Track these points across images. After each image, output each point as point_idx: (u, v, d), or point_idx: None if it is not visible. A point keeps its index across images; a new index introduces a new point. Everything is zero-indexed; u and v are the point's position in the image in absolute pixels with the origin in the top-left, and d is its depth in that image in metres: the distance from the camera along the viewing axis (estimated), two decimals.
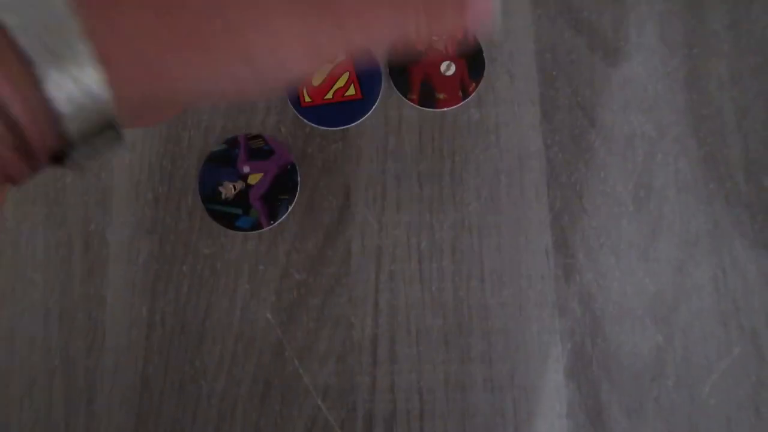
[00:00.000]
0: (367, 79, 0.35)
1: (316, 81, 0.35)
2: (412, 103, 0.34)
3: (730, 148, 0.34)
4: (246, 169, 0.34)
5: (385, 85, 0.35)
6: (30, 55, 0.14)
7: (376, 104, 0.34)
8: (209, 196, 0.34)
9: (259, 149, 0.35)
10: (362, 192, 0.34)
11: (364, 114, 0.34)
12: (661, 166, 0.34)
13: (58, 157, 0.15)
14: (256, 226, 0.34)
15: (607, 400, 0.32)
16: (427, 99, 0.34)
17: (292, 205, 0.34)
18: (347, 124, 0.34)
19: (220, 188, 0.34)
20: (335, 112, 0.35)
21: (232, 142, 0.35)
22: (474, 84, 0.34)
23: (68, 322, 0.33)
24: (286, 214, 0.34)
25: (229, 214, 0.34)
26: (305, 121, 0.34)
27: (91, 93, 0.15)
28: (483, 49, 0.35)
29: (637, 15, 0.36)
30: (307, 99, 0.35)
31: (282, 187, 0.34)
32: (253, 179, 0.34)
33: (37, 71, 0.14)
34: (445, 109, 0.34)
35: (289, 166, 0.34)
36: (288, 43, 0.17)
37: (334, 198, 0.34)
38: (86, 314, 0.33)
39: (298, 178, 0.34)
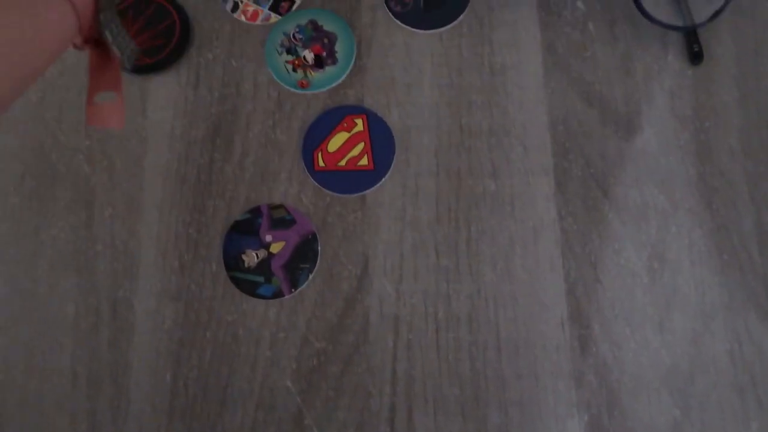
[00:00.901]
0: (380, 151, 0.37)
1: (332, 147, 0.37)
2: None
3: (744, 219, 0.35)
4: (268, 238, 0.36)
5: (399, 157, 0.37)
6: None
7: (386, 177, 0.36)
8: (232, 264, 0.36)
9: (281, 219, 0.36)
10: (380, 261, 0.36)
11: (374, 184, 0.36)
12: (674, 237, 0.35)
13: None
14: (278, 294, 0.35)
15: None
16: None
17: (313, 273, 0.35)
18: (356, 193, 0.36)
19: (243, 256, 0.36)
20: (346, 180, 0.36)
21: (255, 212, 0.36)
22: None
23: (95, 387, 0.34)
24: (306, 283, 0.35)
25: (251, 282, 0.35)
26: (316, 184, 0.36)
27: None
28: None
29: (648, 89, 0.37)
30: (321, 164, 0.37)
31: (303, 256, 0.36)
32: (275, 248, 0.36)
33: None
34: None
35: (310, 236, 0.36)
36: None
37: (353, 266, 0.36)
38: (113, 380, 0.35)
39: (319, 247, 0.36)
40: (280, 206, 0.37)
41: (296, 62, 0.38)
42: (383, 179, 0.36)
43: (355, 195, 0.36)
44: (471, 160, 0.37)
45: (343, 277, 0.36)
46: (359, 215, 0.36)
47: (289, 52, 0.38)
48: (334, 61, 0.38)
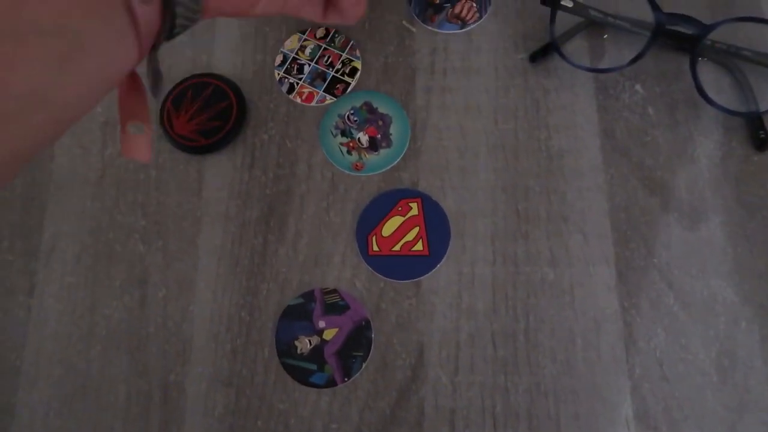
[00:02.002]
0: (435, 237, 0.37)
1: (387, 231, 0.37)
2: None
3: None
4: (321, 324, 0.36)
5: (454, 242, 0.37)
6: None
7: (441, 263, 0.36)
8: (285, 351, 0.36)
9: (335, 304, 0.37)
10: (435, 350, 0.36)
11: (429, 271, 0.36)
12: (744, 333, 0.34)
13: None
14: (331, 382, 0.35)
15: None
16: None
17: (366, 362, 0.35)
18: (410, 279, 0.36)
19: (296, 342, 0.36)
20: (401, 265, 0.37)
21: (308, 296, 0.37)
22: None
23: None
24: (359, 371, 0.35)
25: (304, 369, 0.36)
26: (370, 269, 0.37)
27: None
28: None
29: (712, 175, 0.37)
30: (375, 248, 0.37)
31: (356, 344, 0.36)
32: (328, 334, 0.36)
33: None
34: None
35: (363, 322, 0.36)
36: None
37: (407, 355, 0.36)
38: None
39: (372, 335, 0.36)
40: (334, 291, 0.37)
41: (351, 144, 0.39)
42: (438, 265, 0.37)
43: (410, 281, 0.37)
44: (528, 247, 0.37)
45: (397, 366, 0.36)
46: (414, 302, 0.37)
47: (343, 134, 0.39)
48: (389, 144, 0.39)
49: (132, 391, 0.36)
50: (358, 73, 0.41)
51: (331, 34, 0.42)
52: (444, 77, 0.41)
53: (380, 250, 0.37)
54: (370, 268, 0.37)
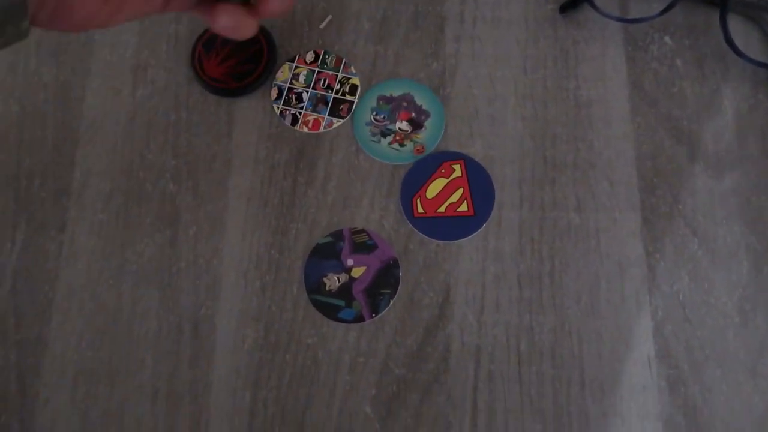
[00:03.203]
0: (479, 197, 0.38)
1: (431, 193, 0.38)
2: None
3: None
4: (350, 262, 0.38)
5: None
6: None
7: (487, 222, 0.38)
8: (314, 288, 0.38)
9: (363, 243, 0.38)
10: (462, 290, 0.37)
11: (475, 231, 0.38)
12: (767, 279, 0.36)
13: None
14: (358, 318, 0.37)
15: None
16: None
17: (394, 299, 0.37)
18: (456, 239, 0.38)
19: (325, 280, 0.38)
20: (446, 226, 0.38)
21: (337, 236, 0.38)
22: None
23: (174, 404, 0.36)
24: (387, 308, 0.37)
25: (332, 306, 0.37)
26: (417, 231, 0.38)
27: None
28: None
29: (739, 127, 0.39)
30: (420, 210, 0.39)
31: (384, 282, 0.37)
32: (357, 272, 0.38)
33: None
34: None
35: (391, 261, 0.38)
36: None
37: (434, 294, 0.37)
38: (192, 398, 0.36)
39: (400, 273, 0.37)
40: (362, 231, 0.38)
41: (398, 138, 0.40)
42: (484, 225, 0.38)
43: (461, 240, 0.38)
44: (555, 192, 0.38)
45: (424, 305, 0.37)
46: (441, 244, 0.38)
47: (384, 134, 0.40)
48: (428, 114, 0.40)
49: (163, 325, 0.38)
50: (359, 90, 0.41)
51: (321, 56, 0.42)
52: (473, 27, 0.42)
53: (425, 212, 0.39)
54: (418, 231, 0.38)
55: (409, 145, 0.39)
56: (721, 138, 0.39)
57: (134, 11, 0.29)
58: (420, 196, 0.39)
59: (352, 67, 0.41)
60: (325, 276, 0.38)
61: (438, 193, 0.39)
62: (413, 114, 0.40)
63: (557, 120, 0.40)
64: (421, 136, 0.39)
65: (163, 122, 0.42)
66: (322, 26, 0.43)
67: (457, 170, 0.39)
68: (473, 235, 0.38)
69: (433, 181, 0.39)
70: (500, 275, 0.37)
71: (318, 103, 0.41)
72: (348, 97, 0.41)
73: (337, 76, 0.41)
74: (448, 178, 0.39)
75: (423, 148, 0.39)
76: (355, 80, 0.41)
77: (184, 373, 0.37)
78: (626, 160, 0.39)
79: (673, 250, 0.37)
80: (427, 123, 0.40)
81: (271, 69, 0.42)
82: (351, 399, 0.36)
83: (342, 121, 0.41)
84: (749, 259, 0.37)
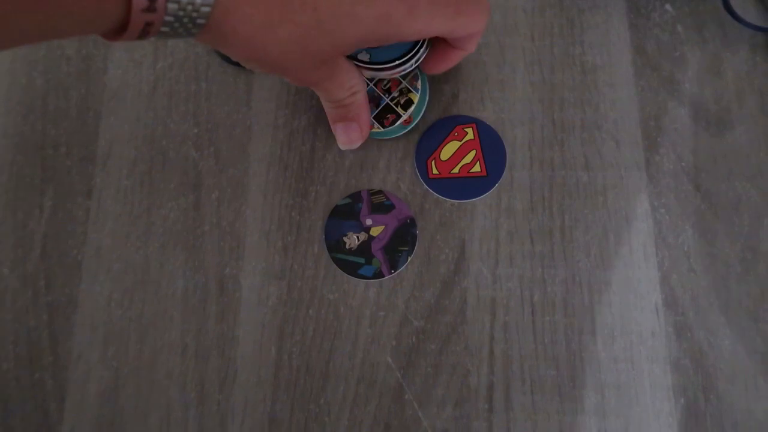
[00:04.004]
0: (491, 158, 0.40)
1: (445, 155, 0.40)
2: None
3: None
4: (368, 221, 0.40)
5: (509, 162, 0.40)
6: None
7: (499, 182, 0.40)
8: (334, 246, 0.39)
9: (381, 204, 0.40)
10: (477, 246, 0.39)
11: (488, 190, 0.40)
12: (767, 230, 0.38)
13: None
14: (378, 274, 0.39)
15: None
16: None
17: (411, 256, 0.39)
18: (470, 198, 0.39)
19: (345, 238, 0.39)
20: (460, 187, 0.40)
21: (356, 197, 0.40)
22: None
23: (203, 358, 0.38)
24: (405, 265, 0.39)
25: (352, 263, 0.39)
26: (432, 191, 0.40)
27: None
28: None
29: (738, 89, 0.41)
30: (435, 171, 0.40)
31: (402, 240, 0.39)
32: (375, 231, 0.39)
33: None
34: None
35: (408, 220, 0.39)
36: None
37: (450, 251, 0.39)
38: (220, 352, 0.38)
39: (417, 231, 0.39)
40: (380, 192, 0.40)
41: (390, 117, 0.39)
42: (497, 184, 0.40)
43: (476, 199, 0.40)
44: (564, 153, 0.40)
45: (440, 261, 0.39)
46: (455, 203, 0.40)
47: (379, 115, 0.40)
48: (417, 77, 0.40)
49: (189, 284, 0.40)
50: (412, 107, 0.39)
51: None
52: None
53: (440, 173, 0.40)
54: (432, 191, 0.40)
55: (398, 119, 0.39)
56: (721, 99, 0.41)
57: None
58: (434, 159, 0.41)
59: (418, 83, 0.39)
60: (345, 235, 0.40)
61: (452, 156, 0.41)
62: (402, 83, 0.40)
63: (564, 84, 0.42)
64: (411, 109, 0.39)
65: (183, 92, 0.44)
66: None
67: (470, 133, 0.41)
68: (486, 194, 0.40)
69: (446, 144, 0.41)
70: (513, 231, 0.39)
71: (370, 101, 0.39)
72: (399, 110, 0.39)
73: (400, 83, 0.39)
74: (461, 141, 0.41)
75: (410, 119, 0.40)
76: (414, 96, 0.39)
77: (212, 329, 0.39)
78: (631, 121, 0.41)
79: (678, 204, 0.39)
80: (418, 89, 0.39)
81: None
82: (372, 350, 0.38)
83: (381, 129, 0.39)
84: (750, 212, 0.39)
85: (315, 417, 0.37)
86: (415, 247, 0.39)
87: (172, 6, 0.26)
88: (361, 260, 0.39)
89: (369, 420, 0.37)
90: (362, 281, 0.39)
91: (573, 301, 0.38)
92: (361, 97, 0.36)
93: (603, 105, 0.41)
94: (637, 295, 0.38)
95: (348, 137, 0.37)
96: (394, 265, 0.39)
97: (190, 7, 0.26)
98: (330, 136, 0.42)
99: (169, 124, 0.43)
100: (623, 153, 0.40)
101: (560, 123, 0.41)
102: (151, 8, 0.25)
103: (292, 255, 0.40)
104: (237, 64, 0.43)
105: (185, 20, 0.26)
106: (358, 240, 0.39)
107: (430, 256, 0.39)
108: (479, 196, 0.40)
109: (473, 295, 0.38)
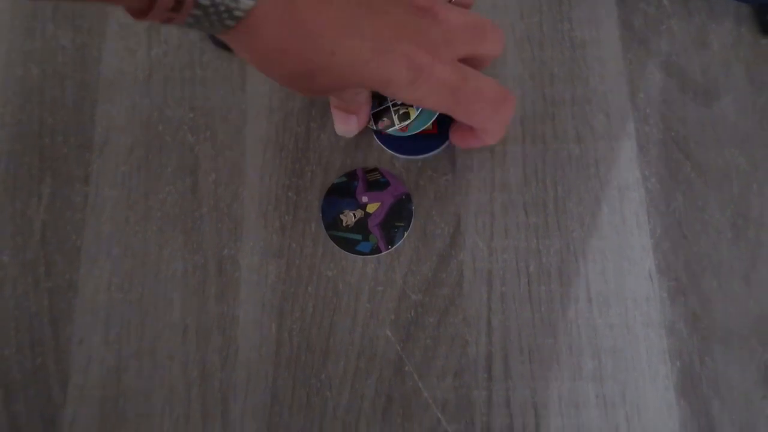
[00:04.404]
0: (444, 118, 0.40)
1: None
2: None
3: None
4: (364, 199, 0.40)
5: None
6: None
7: (447, 142, 0.40)
8: (331, 224, 0.40)
9: (376, 181, 0.40)
10: (472, 220, 0.39)
11: (437, 148, 0.40)
12: (756, 196, 0.39)
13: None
14: (375, 250, 0.39)
15: (718, 418, 0.35)
16: None
17: (408, 231, 0.39)
18: (419, 155, 0.40)
19: (342, 216, 0.40)
20: (410, 143, 0.40)
21: (351, 175, 0.40)
22: None
23: (204, 338, 0.38)
24: (402, 240, 0.39)
25: (350, 240, 0.39)
26: (382, 146, 0.40)
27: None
28: None
29: (724, 59, 0.41)
30: None
31: (398, 216, 0.39)
32: (371, 208, 0.40)
33: None
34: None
35: (403, 196, 0.40)
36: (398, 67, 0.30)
37: (446, 225, 0.39)
38: (221, 331, 0.38)
39: (413, 207, 0.39)
40: (375, 169, 0.41)
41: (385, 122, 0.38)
42: (446, 143, 0.40)
43: (422, 157, 0.40)
44: (555, 127, 0.41)
45: (436, 235, 0.39)
46: (450, 178, 0.40)
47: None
48: None
49: (188, 266, 0.40)
50: (408, 121, 0.37)
51: None
52: None
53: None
54: (382, 145, 0.40)
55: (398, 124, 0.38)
56: (708, 70, 0.41)
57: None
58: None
59: None
60: (342, 213, 0.40)
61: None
62: None
63: (554, 60, 0.42)
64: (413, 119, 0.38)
65: (178, 78, 0.44)
66: None
67: None
68: (435, 152, 0.40)
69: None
70: (507, 204, 0.40)
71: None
72: (395, 119, 0.37)
73: None
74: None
75: (406, 128, 0.38)
76: (412, 111, 0.37)
77: (212, 309, 0.39)
78: (620, 94, 0.41)
79: (668, 173, 0.40)
80: None
81: None
82: (372, 325, 0.38)
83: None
84: (739, 179, 0.39)
85: (317, 392, 0.37)
86: (411, 223, 0.39)
87: (196, 10, 0.26)
88: (359, 237, 0.39)
89: (371, 393, 0.37)
90: (360, 258, 0.39)
91: (568, 270, 0.38)
92: (364, 97, 0.36)
93: (592, 79, 0.42)
94: (630, 262, 0.38)
95: (346, 126, 0.37)
96: (390, 241, 0.39)
97: (222, 7, 0.26)
98: (325, 117, 0.42)
99: (165, 109, 0.43)
100: (613, 125, 0.41)
101: (551, 98, 0.41)
102: (176, 8, 0.26)
103: (290, 234, 0.40)
104: (229, 48, 0.44)
105: (214, 18, 0.27)
106: (355, 217, 0.40)
107: (426, 231, 0.39)
108: (428, 153, 0.40)
109: (470, 267, 0.39)
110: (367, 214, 0.40)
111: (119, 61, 0.44)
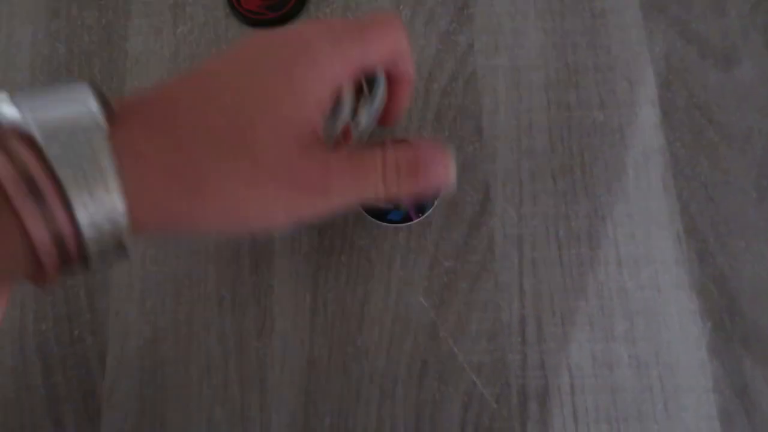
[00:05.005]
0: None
1: None
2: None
3: None
4: None
5: (510, 94, 0.41)
6: (65, 183, 0.20)
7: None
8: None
9: None
10: (500, 187, 0.39)
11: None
12: None
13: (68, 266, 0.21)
14: (406, 218, 0.39)
15: (751, 374, 0.35)
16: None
17: (438, 199, 0.39)
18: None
19: None
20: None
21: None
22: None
23: (240, 308, 0.38)
24: (432, 208, 0.39)
25: (380, 210, 0.39)
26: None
27: (113, 220, 0.21)
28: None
29: (742, 26, 0.41)
30: None
31: None
32: None
33: (69, 198, 0.20)
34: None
35: None
36: (274, 211, 0.24)
37: (475, 193, 0.39)
38: (256, 301, 0.38)
39: None
40: (404, 140, 0.40)
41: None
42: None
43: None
44: (579, 94, 0.41)
45: (466, 203, 0.39)
46: (477, 146, 0.40)
47: None
48: None
49: (222, 239, 0.40)
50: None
51: None
52: None
53: None
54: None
55: None
56: (727, 36, 0.41)
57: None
58: None
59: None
60: None
61: None
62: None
63: (575, 30, 0.42)
64: None
65: (204, 54, 0.43)
66: None
67: None
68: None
69: None
70: (535, 171, 0.40)
71: None
72: None
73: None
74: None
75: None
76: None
77: (247, 280, 0.39)
78: (642, 61, 0.41)
79: (692, 138, 0.40)
80: None
81: (304, 1, 0.44)
82: (405, 291, 0.38)
83: None
84: (761, 141, 0.39)
85: (353, 357, 0.37)
86: (441, 192, 0.39)
87: (90, 234, 0.20)
88: (390, 206, 0.39)
89: (406, 358, 0.37)
90: (391, 226, 0.39)
91: (597, 235, 0.38)
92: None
93: (614, 47, 0.42)
94: (659, 226, 0.38)
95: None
96: (421, 210, 0.39)
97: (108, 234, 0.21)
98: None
99: None
100: (636, 92, 0.41)
101: (574, 66, 0.41)
102: (63, 249, 0.20)
103: None
104: (255, 25, 0.43)
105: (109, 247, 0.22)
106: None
107: (455, 200, 0.39)
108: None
109: (500, 233, 0.39)
110: None
111: (145, 39, 0.44)
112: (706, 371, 0.35)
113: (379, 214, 0.39)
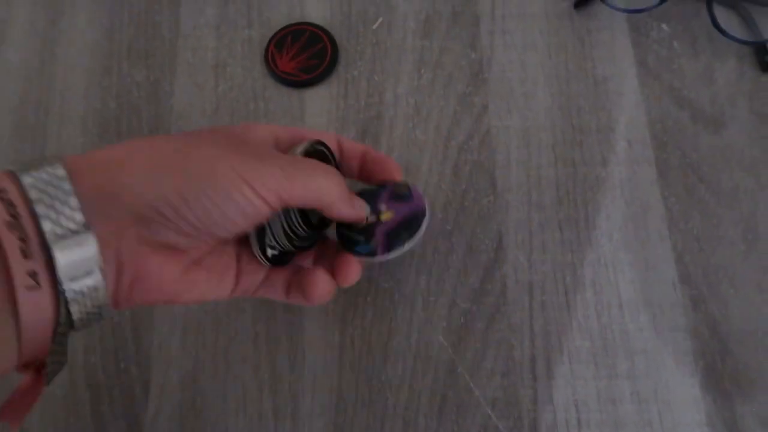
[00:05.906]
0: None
1: None
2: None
3: None
4: (383, 207, 0.40)
5: (521, 152, 0.44)
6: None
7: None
8: (347, 223, 0.39)
9: (402, 194, 0.40)
10: (513, 236, 0.42)
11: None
12: (763, 213, 0.42)
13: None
14: (372, 253, 0.38)
15: (741, 411, 0.38)
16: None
17: (409, 243, 0.38)
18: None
19: None
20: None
21: (383, 185, 0.41)
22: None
23: (274, 344, 0.41)
24: (400, 251, 0.38)
25: (352, 239, 0.38)
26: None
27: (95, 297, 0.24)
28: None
29: (729, 93, 0.45)
30: None
31: (407, 228, 0.38)
32: (386, 217, 0.40)
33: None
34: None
35: (419, 213, 0.40)
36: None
37: (490, 241, 0.42)
38: (288, 338, 0.41)
39: (423, 225, 0.38)
40: (404, 184, 0.41)
41: None
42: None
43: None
44: (583, 152, 0.44)
45: (481, 250, 0.42)
46: (491, 199, 0.43)
47: None
48: None
49: None
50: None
51: None
52: (503, 22, 0.48)
53: None
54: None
55: None
56: (716, 102, 0.45)
57: (205, 293, 0.32)
58: None
59: None
60: None
61: None
62: None
63: (579, 94, 0.46)
64: None
65: (243, 110, 0.47)
66: (374, 27, 0.49)
67: None
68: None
69: None
70: (543, 222, 0.43)
71: None
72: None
73: None
74: None
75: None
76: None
77: (280, 317, 0.41)
78: (640, 123, 0.45)
79: (685, 194, 0.43)
80: None
81: (335, 63, 0.47)
82: (425, 331, 0.41)
83: None
84: (747, 198, 0.43)
85: (378, 390, 0.39)
86: (416, 238, 0.38)
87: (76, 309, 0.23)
88: (361, 238, 0.38)
89: (427, 392, 0.39)
90: (413, 270, 0.42)
91: (600, 280, 0.41)
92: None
93: (614, 111, 0.45)
94: (656, 273, 0.41)
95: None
96: (389, 249, 0.38)
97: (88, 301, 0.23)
98: (377, 144, 0.45)
99: None
100: (635, 151, 0.44)
101: (578, 127, 0.45)
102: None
103: None
104: (290, 85, 0.47)
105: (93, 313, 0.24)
106: (367, 221, 0.39)
107: (472, 247, 0.42)
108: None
109: (512, 279, 0.42)
110: (379, 222, 0.40)
111: (189, 95, 0.48)
112: (699, 407, 0.38)
113: (349, 243, 0.38)
